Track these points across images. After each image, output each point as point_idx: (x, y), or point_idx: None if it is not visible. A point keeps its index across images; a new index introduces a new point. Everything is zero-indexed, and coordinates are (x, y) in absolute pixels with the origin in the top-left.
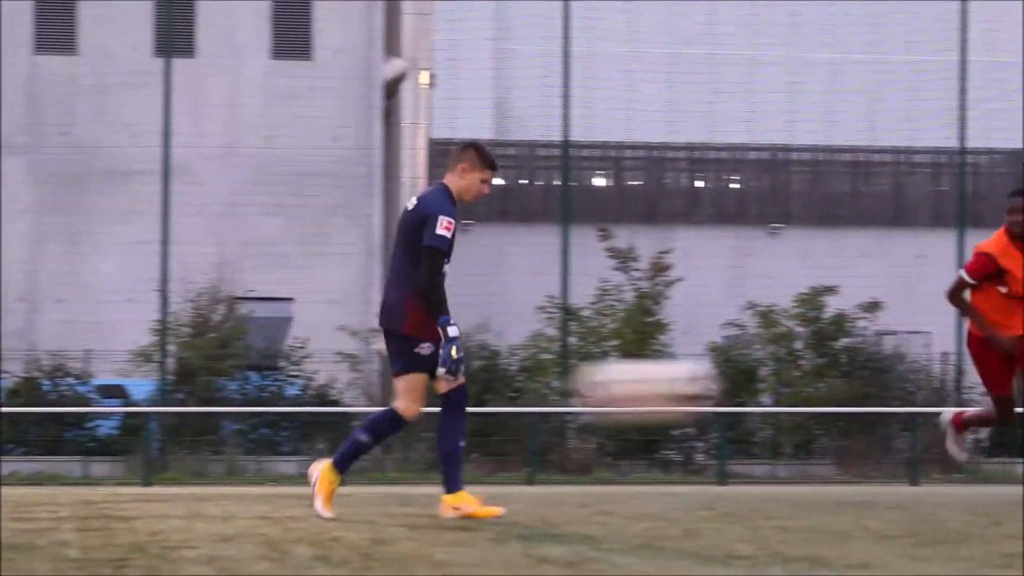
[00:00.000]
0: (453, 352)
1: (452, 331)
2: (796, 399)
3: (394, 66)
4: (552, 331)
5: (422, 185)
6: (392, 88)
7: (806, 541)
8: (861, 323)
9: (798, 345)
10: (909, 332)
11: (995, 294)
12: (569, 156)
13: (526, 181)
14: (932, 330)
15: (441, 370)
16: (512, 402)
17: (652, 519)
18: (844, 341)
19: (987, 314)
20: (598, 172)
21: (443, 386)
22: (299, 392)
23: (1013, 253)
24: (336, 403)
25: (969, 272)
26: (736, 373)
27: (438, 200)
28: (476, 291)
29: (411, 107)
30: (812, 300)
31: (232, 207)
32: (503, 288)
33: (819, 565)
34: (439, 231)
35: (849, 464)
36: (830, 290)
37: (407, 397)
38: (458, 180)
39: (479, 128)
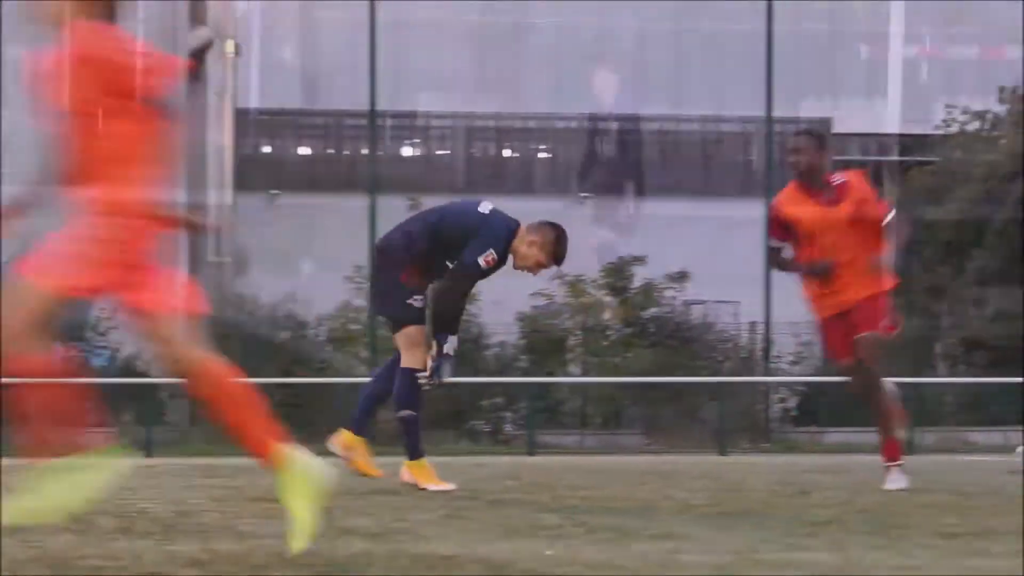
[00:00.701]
0: (445, 372)
1: (448, 347)
2: (604, 369)
3: (199, 35)
4: (360, 302)
5: (229, 156)
6: (198, 57)
7: (610, 511)
8: (669, 292)
9: (606, 315)
10: (717, 301)
11: (803, 256)
12: (376, 125)
13: (333, 151)
14: (740, 299)
15: (424, 377)
16: (320, 373)
17: (459, 489)
18: (652, 311)
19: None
20: (406, 142)
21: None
22: (105, 363)
23: (804, 201)
24: (143, 374)
25: (768, 234)
26: (545, 343)
27: (500, 234)
28: (284, 261)
29: (217, 76)
30: (620, 270)
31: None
32: (311, 258)
33: (623, 535)
34: (481, 261)
35: (657, 434)
36: (638, 260)
37: (410, 352)
38: (523, 246)
39: (286, 97)
